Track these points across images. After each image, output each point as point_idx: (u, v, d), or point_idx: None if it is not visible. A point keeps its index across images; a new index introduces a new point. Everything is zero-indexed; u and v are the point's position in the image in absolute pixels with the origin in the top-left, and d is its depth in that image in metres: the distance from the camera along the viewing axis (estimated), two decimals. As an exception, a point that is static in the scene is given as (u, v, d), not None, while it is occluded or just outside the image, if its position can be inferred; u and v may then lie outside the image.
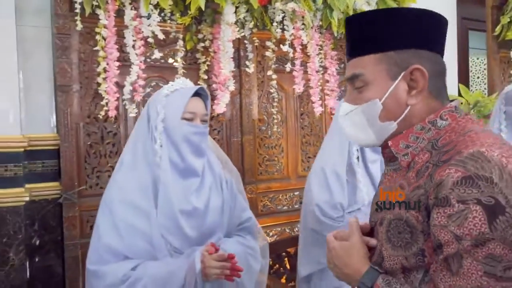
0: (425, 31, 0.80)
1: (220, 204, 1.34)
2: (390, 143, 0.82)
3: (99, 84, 2.04)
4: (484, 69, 5.76)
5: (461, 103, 3.03)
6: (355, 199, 1.67)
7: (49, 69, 2.20)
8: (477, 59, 5.59)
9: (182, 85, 1.31)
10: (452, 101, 0.83)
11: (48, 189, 2.20)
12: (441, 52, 0.84)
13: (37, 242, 2.18)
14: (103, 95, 2.00)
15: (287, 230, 2.63)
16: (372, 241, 0.85)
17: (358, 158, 1.72)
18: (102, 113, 1.97)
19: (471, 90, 3.77)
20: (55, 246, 2.23)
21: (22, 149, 2.06)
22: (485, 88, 5.32)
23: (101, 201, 1.28)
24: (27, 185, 2.11)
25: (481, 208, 0.65)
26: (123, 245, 1.21)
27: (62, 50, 2.00)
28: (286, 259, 2.21)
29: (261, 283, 1.46)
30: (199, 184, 1.31)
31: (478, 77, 5.73)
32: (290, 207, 2.64)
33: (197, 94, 1.31)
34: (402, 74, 0.78)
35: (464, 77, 3.71)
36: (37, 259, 2.18)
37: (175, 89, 1.29)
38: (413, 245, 0.74)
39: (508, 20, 3.08)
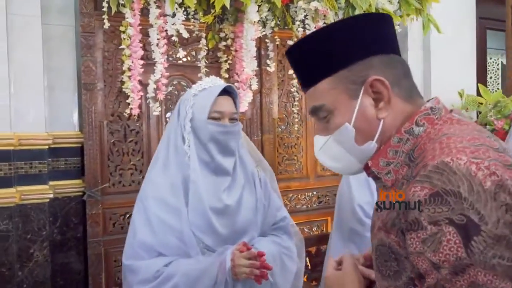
0: (368, 36, 0.73)
1: (253, 202, 1.34)
2: (370, 162, 0.75)
3: (122, 83, 2.05)
4: (498, 69, 5.71)
5: (481, 104, 3.01)
6: None
7: (72, 68, 2.22)
8: (490, 59, 5.55)
9: (210, 83, 1.30)
10: (429, 100, 0.76)
11: (70, 186, 2.22)
12: (395, 51, 0.76)
13: (59, 239, 2.21)
14: (127, 93, 2.01)
15: (306, 230, 2.63)
16: (373, 275, 0.78)
17: None
18: (128, 111, 1.98)
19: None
20: (77, 243, 2.25)
21: (47, 147, 2.08)
22: (498, 88, 5.27)
23: (137, 198, 1.30)
24: (50, 182, 2.13)
25: (454, 229, 0.56)
26: (157, 242, 1.23)
27: (87, 48, 2.02)
28: (307, 258, 2.21)
29: (297, 285, 1.44)
30: (230, 182, 1.31)
31: (491, 77, 5.69)
32: (309, 206, 2.64)
33: (226, 92, 1.31)
34: (362, 90, 0.72)
35: (482, 77, 3.68)
36: (59, 256, 2.20)
37: (203, 88, 1.29)
38: (402, 274, 0.67)
39: (529, 19, 3.05)
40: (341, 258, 0.84)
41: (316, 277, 2.16)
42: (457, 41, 3.07)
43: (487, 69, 5.41)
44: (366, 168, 0.77)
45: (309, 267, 2.22)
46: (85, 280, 2.24)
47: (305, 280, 2.18)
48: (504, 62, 5.77)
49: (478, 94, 3.14)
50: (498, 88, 5.25)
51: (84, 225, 2.21)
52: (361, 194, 1.66)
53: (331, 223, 2.72)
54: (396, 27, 2.54)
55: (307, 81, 0.77)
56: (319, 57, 0.74)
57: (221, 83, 1.32)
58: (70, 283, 2.23)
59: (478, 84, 3.19)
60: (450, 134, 0.65)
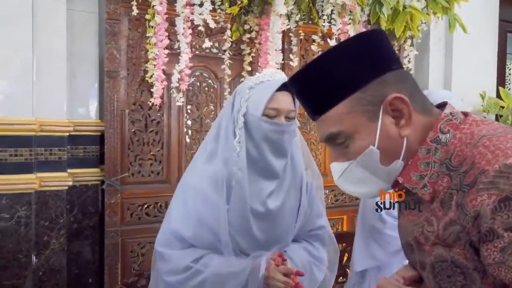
0: (378, 53, 0.71)
1: (296, 208, 1.28)
2: (400, 179, 0.72)
3: (146, 72, 2.03)
4: (509, 74, 5.66)
5: (502, 107, 2.97)
6: None
7: (94, 55, 2.19)
8: (504, 63, 5.48)
9: (270, 77, 1.19)
10: (442, 106, 0.74)
11: (88, 174, 2.20)
12: (399, 64, 0.74)
13: (75, 228, 2.19)
14: (152, 82, 1.99)
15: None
16: None
17: None
18: (152, 100, 1.95)
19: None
20: (93, 232, 2.23)
21: (67, 134, 2.06)
22: (508, 94, 5.21)
23: (179, 184, 1.25)
24: (68, 170, 2.11)
25: None
26: (191, 235, 1.18)
27: (112, 35, 1.99)
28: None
29: None
30: (276, 185, 1.23)
31: (502, 82, 5.62)
32: (326, 204, 2.60)
33: (285, 87, 1.19)
34: (381, 110, 0.69)
35: (501, 80, 3.64)
36: (74, 245, 2.19)
37: (260, 81, 1.18)
38: None
39: (554, 23, 3.01)
40: (379, 285, 0.78)
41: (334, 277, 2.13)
42: (480, 43, 3.03)
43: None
44: (395, 185, 0.74)
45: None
46: (100, 270, 2.23)
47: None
48: (516, 68, 5.72)
49: (498, 97, 3.11)
50: (508, 94, 5.19)
51: (101, 214, 2.19)
52: None
53: (347, 222, 2.70)
54: (422, 25, 2.51)
55: (319, 108, 0.73)
56: (330, 81, 0.71)
57: (281, 77, 1.20)
58: (84, 272, 2.22)
59: (499, 87, 3.15)
60: (489, 135, 0.64)
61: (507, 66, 5.32)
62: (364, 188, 0.75)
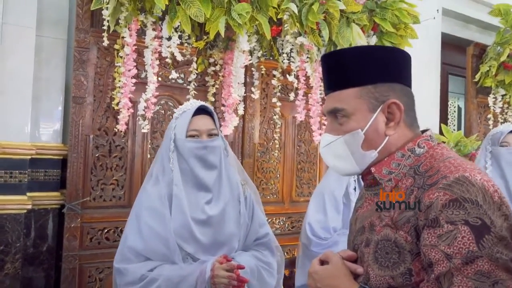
0: (397, 66, 0.89)
1: (236, 216, 1.45)
2: (373, 169, 0.88)
3: (112, 99, 2.09)
4: (455, 111, 6.13)
5: (444, 142, 3.24)
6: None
7: (61, 80, 2.24)
8: (448, 101, 5.95)
9: (189, 106, 1.45)
10: (425, 130, 0.91)
11: (47, 198, 2.20)
12: (410, 85, 0.91)
13: (31, 252, 2.16)
14: (116, 109, 2.05)
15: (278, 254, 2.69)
16: (359, 269, 0.87)
17: (355, 188, 1.90)
18: (118, 126, 2.01)
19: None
20: (49, 256, 2.21)
21: (29, 157, 2.06)
22: (453, 129, 5.66)
23: (132, 207, 1.42)
24: (28, 194, 2.10)
25: (468, 228, 0.71)
26: (145, 248, 1.34)
27: (80, 63, 2.05)
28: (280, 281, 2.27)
29: None
30: (213, 195, 1.42)
31: (447, 119, 6.09)
32: (282, 230, 2.72)
33: (204, 111, 1.44)
34: (380, 107, 0.86)
35: (443, 118, 3.97)
36: (29, 269, 2.15)
37: (183, 111, 1.44)
38: (400, 265, 0.78)
39: (487, 68, 3.36)
40: (325, 256, 0.93)
41: (290, 299, 2.22)
42: (424, 83, 3.33)
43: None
44: (366, 174, 0.91)
45: (283, 290, 2.28)
46: (55, 296, 2.19)
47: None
48: (461, 105, 6.23)
49: (440, 133, 3.40)
50: (454, 129, 5.62)
51: (59, 238, 2.18)
52: (314, 213, 1.88)
53: (302, 248, 2.81)
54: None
55: (336, 84, 0.90)
56: (354, 68, 0.87)
57: (197, 105, 1.44)
58: (38, 298, 2.18)
59: (441, 124, 3.44)
60: (453, 157, 0.82)
61: (452, 104, 5.77)
62: (340, 162, 0.91)
